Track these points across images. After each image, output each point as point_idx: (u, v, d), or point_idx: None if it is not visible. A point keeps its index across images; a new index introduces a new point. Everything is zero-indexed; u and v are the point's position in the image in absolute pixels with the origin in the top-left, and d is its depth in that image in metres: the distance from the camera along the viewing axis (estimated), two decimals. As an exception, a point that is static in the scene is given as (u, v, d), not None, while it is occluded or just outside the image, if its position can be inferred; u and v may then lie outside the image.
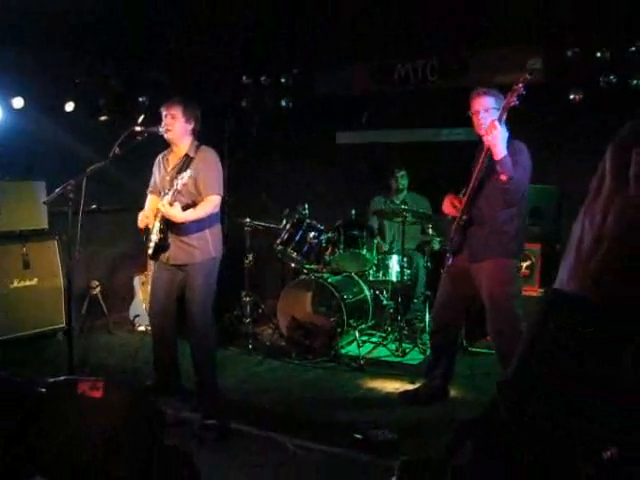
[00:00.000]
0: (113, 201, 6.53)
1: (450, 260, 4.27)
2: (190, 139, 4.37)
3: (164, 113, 4.28)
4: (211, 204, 4.24)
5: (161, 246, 4.29)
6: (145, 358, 4.85)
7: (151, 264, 4.87)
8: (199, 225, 4.29)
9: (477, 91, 4.06)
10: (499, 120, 3.84)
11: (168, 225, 4.25)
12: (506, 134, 3.89)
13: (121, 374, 4.88)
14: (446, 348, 4.46)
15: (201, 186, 4.24)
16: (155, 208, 4.40)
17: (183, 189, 4.16)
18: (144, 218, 4.36)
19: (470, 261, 4.16)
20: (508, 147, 3.86)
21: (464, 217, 4.15)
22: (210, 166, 4.30)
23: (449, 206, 4.30)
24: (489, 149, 3.91)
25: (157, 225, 4.30)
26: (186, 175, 4.07)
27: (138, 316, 6.34)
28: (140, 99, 6.53)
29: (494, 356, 4.28)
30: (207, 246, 4.33)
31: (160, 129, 4.26)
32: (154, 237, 4.31)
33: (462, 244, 4.19)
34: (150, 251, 4.38)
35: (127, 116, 5.81)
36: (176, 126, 4.27)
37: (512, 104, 3.82)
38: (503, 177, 3.82)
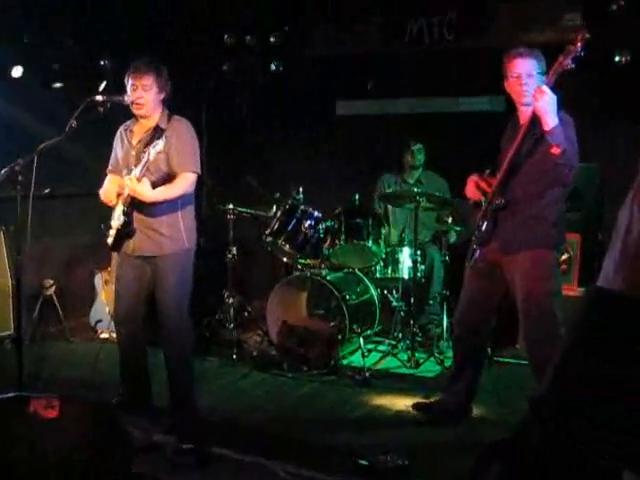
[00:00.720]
0: (70, 184, 6.50)
1: (477, 253, 4.26)
2: (161, 109, 4.35)
3: (132, 83, 4.25)
4: (186, 182, 4.23)
5: (125, 233, 4.26)
6: (109, 370, 4.85)
7: (114, 258, 4.86)
8: (170, 209, 4.27)
9: (517, 52, 4.04)
10: (548, 85, 3.83)
11: (134, 206, 4.23)
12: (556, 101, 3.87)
13: (80, 390, 4.85)
14: (471, 357, 4.46)
15: (174, 162, 4.23)
16: (116, 190, 4.37)
17: (153, 164, 4.12)
18: (106, 195, 4.34)
19: (502, 253, 4.15)
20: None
21: (497, 201, 4.14)
22: (185, 139, 4.29)
23: (473, 189, 4.29)
24: (531, 120, 3.91)
25: (120, 208, 4.27)
26: (161, 144, 4.02)
27: (101, 321, 6.33)
28: (102, 62, 6.50)
29: (525, 367, 4.28)
30: (179, 235, 4.33)
31: (126, 98, 4.24)
32: (115, 222, 4.29)
33: (492, 233, 4.19)
34: (110, 240, 4.35)
35: (86, 83, 5.78)
36: (148, 99, 4.25)
37: (566, 67, 3.81)
38: (555, 150, 3.80)
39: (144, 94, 4.23)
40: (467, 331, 4.41)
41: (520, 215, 4.10)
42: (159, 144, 4.03)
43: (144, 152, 4.11)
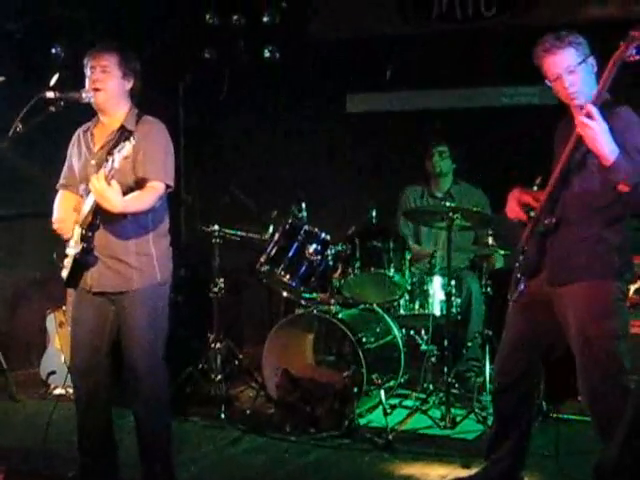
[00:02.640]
0: (13, 203, 6.52)
1: (522, 284, 4.25)
2: (127, 105, 4.37)
3: (91, 65, 4.26)
4: (155, 193, 4.20)
5: (83, 262, 4.25)
6: (64, 436, 4.84)
7: (70, 295, 4.87)
8: (139, 231, 4.27)
9: (544, 48, 3.93)
10: (601, 90, 3.75)
11: (95, 227, 4.20)
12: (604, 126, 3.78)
13: (28, 460, 4.85)
14: (517, 414, 4.43)
15: (141, 169, 4.22)
16: (70, 212, 4.35)
17: (118, 174, 4.05)
18: (61, 223, 4.33)
19: (551, 284, 4.15)
20: (609, 119, 3.78)
21: (546, 220, 4.13)
22: (157, 144, 4.29)
23: (516, 207, 4.28)
24: None
25: (77, 231, 4.27)
26: (128, 146, 3.97)
27: (54, 373, 6.34)
28: (53, 50, 6.54)
29: (589, 425, 4.26)
30: (151, 265, 4.32)
31: (84, 94, 4.25)
32: (72, 250, 4.28)
33: (540, 259, 4.18)
34: (65, 273, 4.34)
35: (34, 75, 5.81)
36: (109, 84, 4.26)
37: (630, 59, 3.68)
38: (623, 187, 3.75)
39: (103, 76, 4.24)
40: (511, 381, 4.38)
41: (574, 236, 4.07)
42: (126, 147, 3.98)
43: (107, 159, 4.08)
